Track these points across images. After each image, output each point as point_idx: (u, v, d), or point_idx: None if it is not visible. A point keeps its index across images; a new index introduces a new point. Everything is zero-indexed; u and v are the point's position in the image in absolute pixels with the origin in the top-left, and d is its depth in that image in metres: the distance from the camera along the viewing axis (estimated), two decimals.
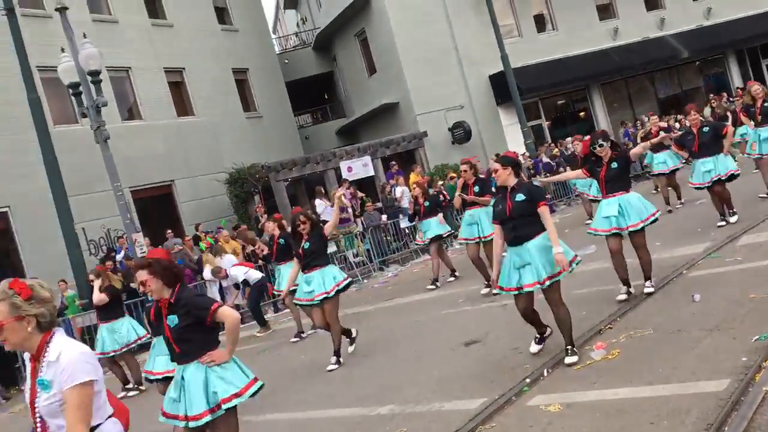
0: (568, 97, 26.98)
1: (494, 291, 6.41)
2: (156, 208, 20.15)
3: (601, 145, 7.34)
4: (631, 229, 7.17)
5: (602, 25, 25.81)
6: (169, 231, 17.54)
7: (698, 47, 25.93)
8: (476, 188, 9.89)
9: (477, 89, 24.05)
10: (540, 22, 25.47)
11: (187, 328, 4.36)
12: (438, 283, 11.27)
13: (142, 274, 4.41)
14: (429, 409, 5.59)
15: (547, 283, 5.67)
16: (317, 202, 18.13)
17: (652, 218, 7.25)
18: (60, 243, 14.09)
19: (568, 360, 5.72)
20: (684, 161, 12.32)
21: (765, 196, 10.81)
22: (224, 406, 4.31)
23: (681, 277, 7.63)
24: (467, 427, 4.93)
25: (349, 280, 8.11)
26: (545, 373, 5.65)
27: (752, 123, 10.95)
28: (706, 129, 9.90)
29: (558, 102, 26.94)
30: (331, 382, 7.26)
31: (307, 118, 29.31)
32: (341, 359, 7.79)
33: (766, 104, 10.53)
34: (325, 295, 7.65)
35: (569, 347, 5.80)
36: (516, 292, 5.86)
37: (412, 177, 18.46)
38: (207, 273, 13.26)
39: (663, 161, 12.72)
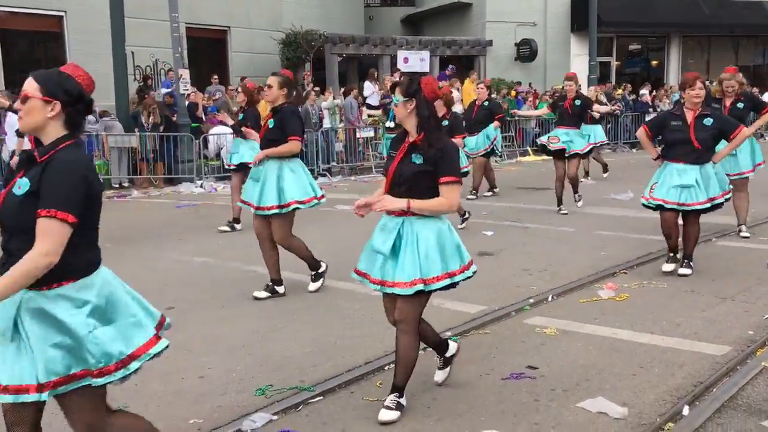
0: (645, 42, 25.84)
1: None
2: (207, 51, 19.97)
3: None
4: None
5: None
6: (215, 76, 17.45)
7: None
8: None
9: (555, 10, 23.06)
10: None
11: None
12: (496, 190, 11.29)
13: None
14: (429, 302, 5.63)
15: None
16: (366, 84, 17.84)
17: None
18: (107, 61, 14.07)
19: None
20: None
21: None
22: None
23: (709, 244, 7.48)
24: (462, 328, 4.99)
25: None
26: (549, 298, 5.66)
27: None
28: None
29: (634, 44, 25.82)
30: (338, 255, 7.33)
31: None
32: None
33: None
34: None
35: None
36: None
37: (467, 84, 18.04)
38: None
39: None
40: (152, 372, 4.33)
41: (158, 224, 9.54)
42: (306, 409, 3.82)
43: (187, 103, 14.03)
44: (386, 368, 4.25)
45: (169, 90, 15.01)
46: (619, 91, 19.97)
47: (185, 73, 13.58)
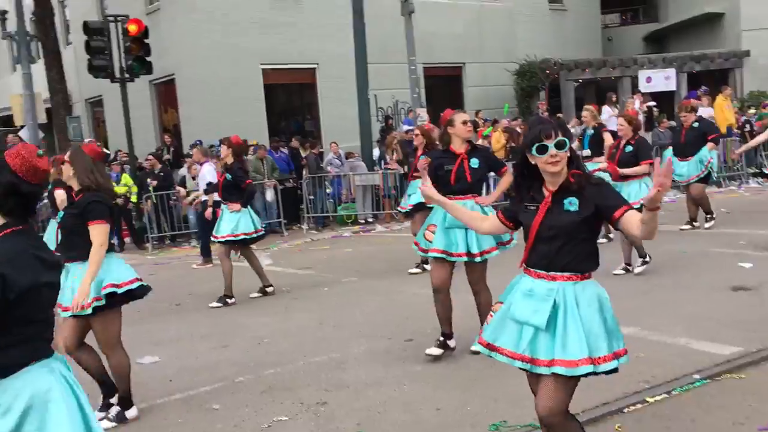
0: None
1: None
2: (443, 88, 20.77)
3: None
4: None
5: None
6: None
7: None
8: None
9: None
10: None
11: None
12: (696, 224, 10.07)
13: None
14: (674, 342, 5.28)
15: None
16: (605, 108, 17.23)
17: None
18: (353, 104, 15.28)
19: None
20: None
21: None
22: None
23: None
24: (712, 371, 4.60)
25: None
26: None
27: None
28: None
29: None
30: None
31: (614, 17, 27.35)
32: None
33: None
34: None
35: None
36: None
37: (719, 99, 16.59)
38: None
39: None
40: (395, 402, 4.60)
41: (400, 257, 10.03)
42: None
43: None
44: (625, 410, 4.07)
45: (411, 128, 15.83)
46: None
47: (422, 112, 14.28)
